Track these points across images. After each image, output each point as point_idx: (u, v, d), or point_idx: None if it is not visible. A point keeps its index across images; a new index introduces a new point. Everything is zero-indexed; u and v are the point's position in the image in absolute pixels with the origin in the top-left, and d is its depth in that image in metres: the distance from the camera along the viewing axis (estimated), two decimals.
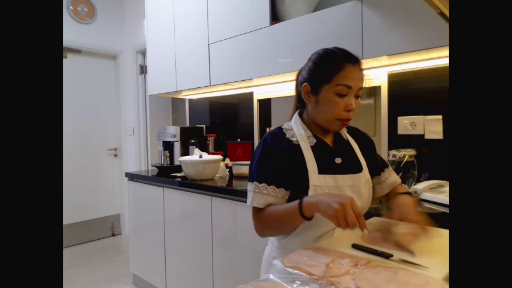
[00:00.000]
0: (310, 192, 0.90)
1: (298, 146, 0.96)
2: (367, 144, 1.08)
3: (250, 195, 0.95)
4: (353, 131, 1.10)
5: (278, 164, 0.94)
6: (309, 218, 0.84)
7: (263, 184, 0.93)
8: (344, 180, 0.94)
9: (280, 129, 1.01)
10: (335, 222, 0.76)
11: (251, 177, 0.96)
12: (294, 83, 1.07)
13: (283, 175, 0.93)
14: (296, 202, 0.85)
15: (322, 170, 0.93)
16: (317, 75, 0.95)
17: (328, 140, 1.01)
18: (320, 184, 0.92)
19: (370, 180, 1.02)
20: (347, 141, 1.04)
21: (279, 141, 0.97)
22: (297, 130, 0.99)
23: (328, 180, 0.93)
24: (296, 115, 1.04)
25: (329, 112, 0.93)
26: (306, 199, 0.84)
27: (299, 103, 1.05)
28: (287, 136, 0.98)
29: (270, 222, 0.92)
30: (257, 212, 0.94)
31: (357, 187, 0.96)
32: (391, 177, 1.08)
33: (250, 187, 0.96)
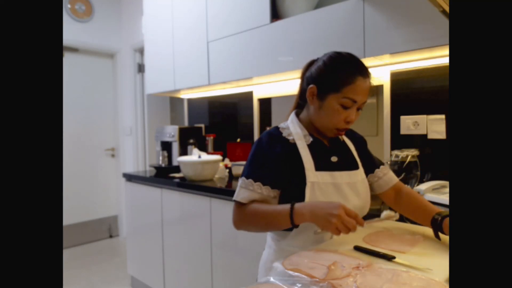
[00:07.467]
0: (307, 189, 0.91)
1: (294, 145, 0.97)
2: (361, 144, 1.10)
3: (236, 190, 0.97)
4: (348, 132, 1.12)
5: (269, 163, 0.95)
6: (297, 226, 0.87)
7: (249, 180, 0.94)
8: (341, 177, 0.95)
9: (276, 128, 1.02)
10: (335, 232, 0.79)
11: (242, 174, 0.99)
12: (295, 81, 1.06)
13: (274, 174, 0.94)
14: (287, 207, 0.86)
15: (318, 167, 0.94)
16: (326, 80, 0.94)
17: (325, 139, 1.03)
18: (317, 180, 0.92)
19: (366, 179, 1.03)
20: (343, 141, 1.06)
21: (275, 140, 0.98)
22: (294, 129, 1.00)
23: (326, 177, 0.94)
24: (293, 115, 1.04)
25: (330, 120, 0.94)
26: (297, 207, 0.85)
27: (301, 101, 1.05)
28: (283, 135, 0.99)
29: (254, 219, 0.93)
30: (240, 206, 0.95)
31: (354, 185, 0.96)
32: (389, 174, 1.09)
33: (238, 182, 0.98)
